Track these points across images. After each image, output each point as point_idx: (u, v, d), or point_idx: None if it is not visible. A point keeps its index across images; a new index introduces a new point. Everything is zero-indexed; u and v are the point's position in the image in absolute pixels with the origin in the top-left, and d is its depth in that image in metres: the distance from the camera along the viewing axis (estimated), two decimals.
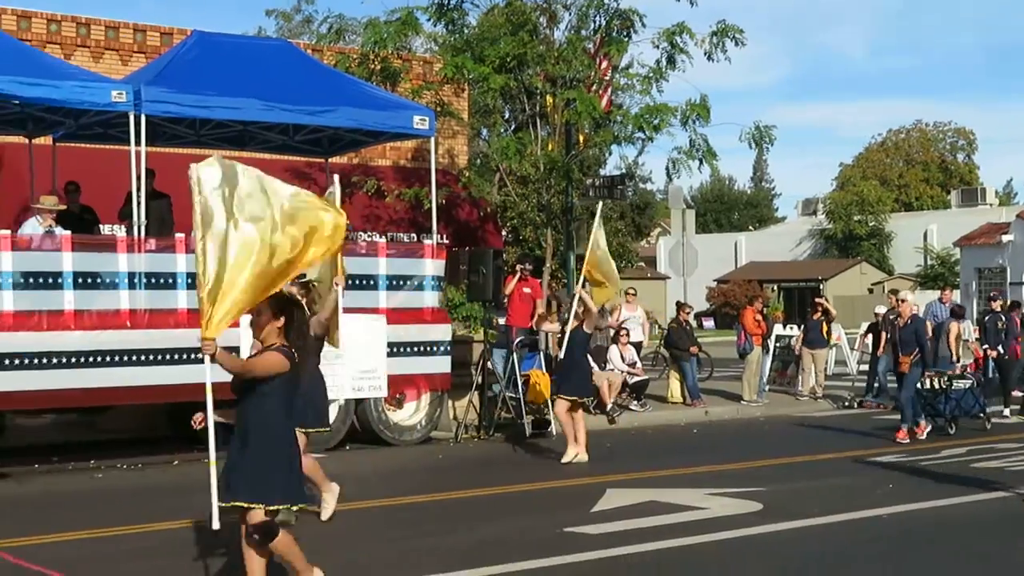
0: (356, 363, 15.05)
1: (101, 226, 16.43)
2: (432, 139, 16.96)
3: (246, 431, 7.27)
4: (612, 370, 19.47)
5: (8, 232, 13.66)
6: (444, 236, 18.14)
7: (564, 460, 14.20)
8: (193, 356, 13.97)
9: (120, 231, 15.30)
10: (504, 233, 25.71)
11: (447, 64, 19.65)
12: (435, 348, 15.93)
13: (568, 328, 14.80)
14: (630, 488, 12.25)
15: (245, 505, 7.24)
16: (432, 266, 15.98)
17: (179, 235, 14.41)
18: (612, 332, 20.53)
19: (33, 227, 14.45)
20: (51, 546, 9.38)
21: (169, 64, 15.28)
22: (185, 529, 10.11)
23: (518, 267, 19.49)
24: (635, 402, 19.84)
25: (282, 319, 7.46)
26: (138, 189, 14.27)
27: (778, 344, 23.60)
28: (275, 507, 7.35)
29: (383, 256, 15.67)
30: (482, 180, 20.78)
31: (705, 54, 20.01)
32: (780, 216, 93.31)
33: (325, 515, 10.46)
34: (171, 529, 10.16)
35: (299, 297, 9.02)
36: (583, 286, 14.97)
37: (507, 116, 30.52)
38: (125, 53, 21.58)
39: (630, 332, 20.64)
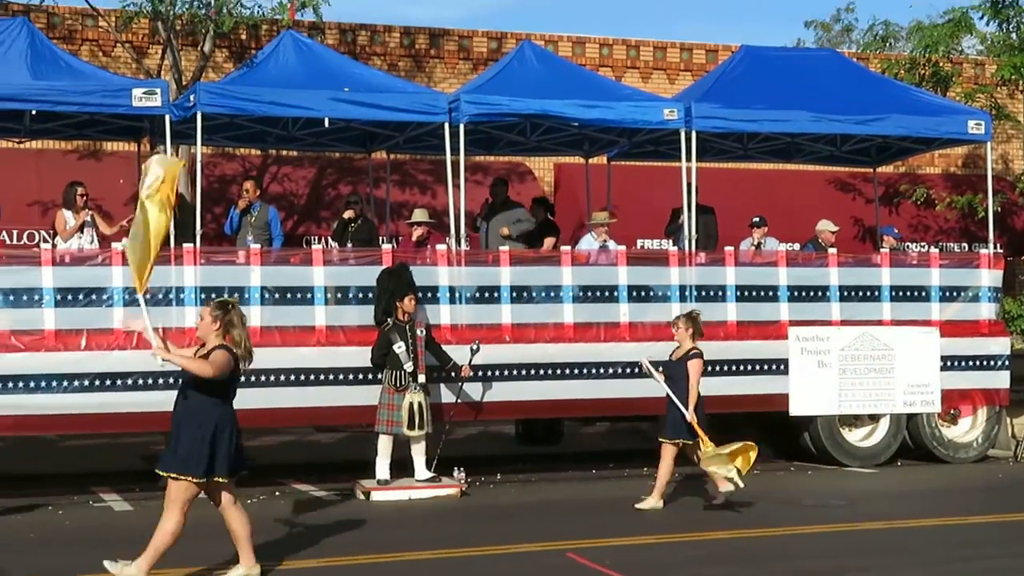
0: (908, 377, 14.68)
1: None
2: (987, 144, 16.20)
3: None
4: None
5: (568, 248, 14.41)
6: (999, 245, 17.26)
7: None
8: (738, 368, 14.23)
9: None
10: None
11: (1003, 65, 18.72)
12: (992, 362, 15.17)
13: None
14: None
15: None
16: (988, 276, 15.26)
17: (728, 248, 14.62)
18: None
19: (589, 243, 15.14)
20: (612, 549, 9.72)
21: (717, 80, 15.57)
22: (746, 540, 10.20)
23: None
24: None
25: (219, 321, 8.25)
26: (688, 205, 14.59)
27: None
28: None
29: (935, 267, 15.14)
30: None
31: None
32: None
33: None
34: (729, 539, 10.26)
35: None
36: None
37: None
38: (672, 72, 22.20)
39: None
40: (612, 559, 9.23)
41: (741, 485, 11.34)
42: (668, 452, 11.84)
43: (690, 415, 11.60)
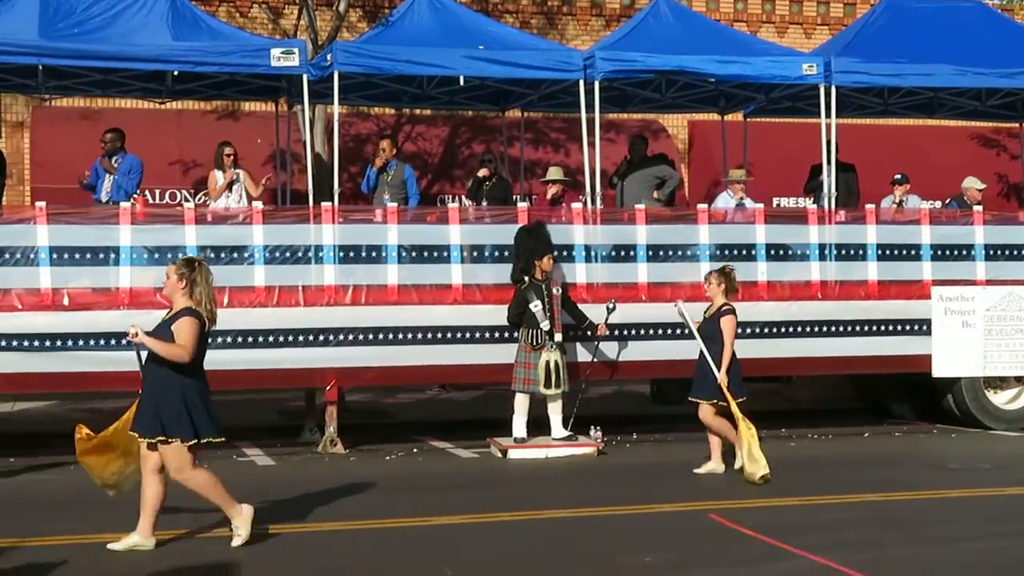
0: None
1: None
2: None
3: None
4: None
5: (705, 206, 14.26)
6: None
7: None
8: (880, 328, 13.96)
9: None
10: None
11: None
12: None
13: None
14: None
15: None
16: None
17: (869, 206, 14.34)
18: None
19: (725, 201, 14.96)
20: (753, 511, 9.62)
21: (858, 34, 15.26)
22: (889, 503, 10.03)
23: None
24: None
25: (185, 279, 8.16)
26: (828, 161, 14.32)
27: None
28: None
29: None
30: None
31: None
32: None
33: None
34: (873, 502, 10.09)
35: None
36: None
37: None
38: (808, 26, 21.81)
39: None
40: (753, 520, 9.12)
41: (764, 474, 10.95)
42: (707, 412, 11.48)
43: (721, 376, 11.25)
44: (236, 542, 8.31)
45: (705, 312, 11.69)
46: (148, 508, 8.30)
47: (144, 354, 8.29)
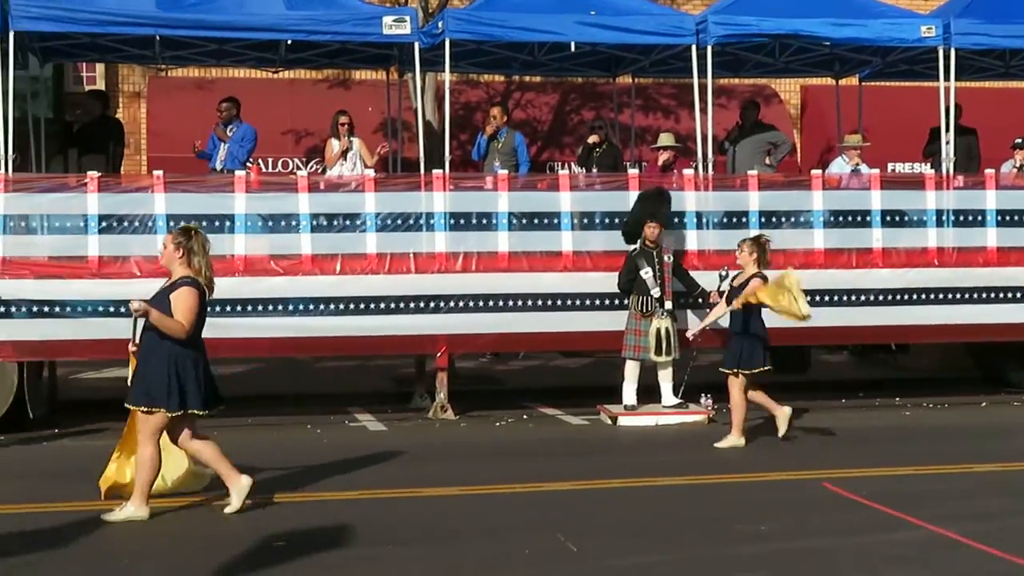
0: None
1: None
2: None
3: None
4: None
5: (819, 172, 14.05)
6: None
7: None
8: (1000, 296, 13.66)
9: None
10: None
11: None
12: None
13: None
14: None
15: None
16: None
17: (988, 171, 14.02)
18: None
19: (840, 166, 14.73)
20: (869, 480, 9.49)
21: None
22: (1013, 473, 9.84)
23: None
24: None
25: (182, 248, 8.10)
26: (947, 126, 14.01)
27: None
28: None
29: None
30: None
31: None
32: None
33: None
34: (996, 472, 9.90)
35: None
36: None
37: None
38: None
39: None
40: (869, 490, 8.99)
41: (806, 311, 10.82)
42: (736, 385, 11.27)
43: (735, 303, 11.10)
44: (229, 509, 8.32)
45: (733, 280, 11.54)
46: (143, 478, 8.22)
47: (140, 325, 8.25)
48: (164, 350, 8.09)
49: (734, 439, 11.19)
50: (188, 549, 7.55)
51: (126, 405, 8.30)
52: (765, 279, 11.20)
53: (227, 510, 8.32)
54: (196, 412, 8.24)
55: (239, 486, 8.36)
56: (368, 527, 8.01)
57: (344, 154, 14.30)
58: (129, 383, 8.30)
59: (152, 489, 8.28)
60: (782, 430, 11.13)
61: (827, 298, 13.31)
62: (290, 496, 8.94)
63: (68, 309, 11.98)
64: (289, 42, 13.67)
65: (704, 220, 13.31)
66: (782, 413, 11.19)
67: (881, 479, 9.59)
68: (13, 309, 11.83)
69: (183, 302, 8.09)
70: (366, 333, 12.58)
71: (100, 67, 19.39)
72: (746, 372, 11.21)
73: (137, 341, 8.28)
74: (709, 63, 13.45)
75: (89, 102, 15.13)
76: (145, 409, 8.10)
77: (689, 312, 12.99)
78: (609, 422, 12.58)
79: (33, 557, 7.31)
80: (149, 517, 8.18)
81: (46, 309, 11.92)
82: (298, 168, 17.54)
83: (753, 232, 13.13)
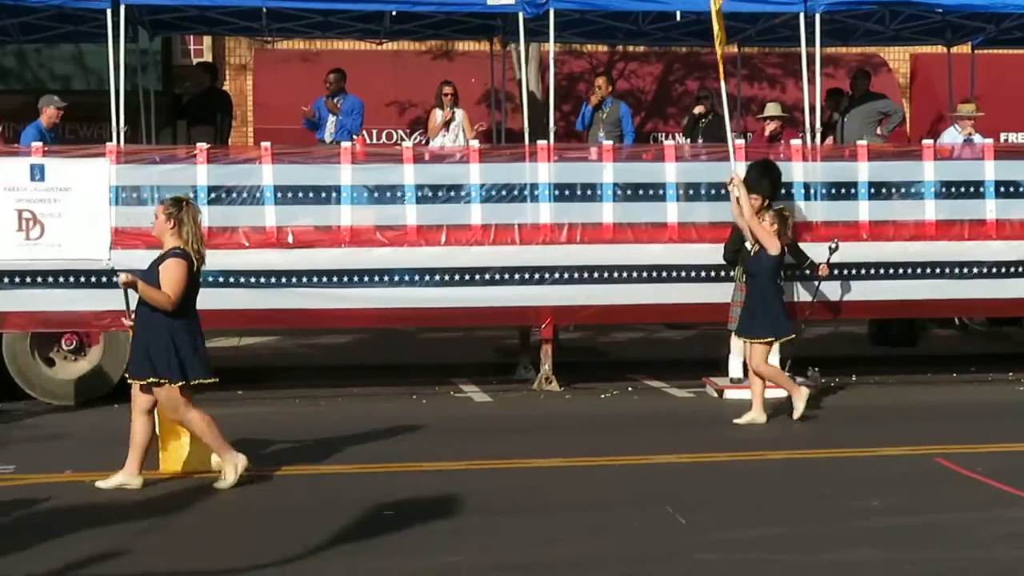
0: None
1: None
2: None
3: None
4: None
5: (930, 142, 13.76)
6: None
7: None
8: None
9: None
10: None
11: None
12: None
13: None
14: None
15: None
16: None
17: None
18: None
19: (952, 136, 14.40)
20: (984, 456, 9.28)
21: None
22: None
23: None
24: None
25: (173, 219, 8.11)
26: None
27: None
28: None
29: None
30: None
31: None
32: None
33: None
34: None
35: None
36: None
37: None
38: None
39: None
40: (985, 466, 8.82)
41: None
42: (758, 353, 11.00)
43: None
44: (220, 484, 8.28)
45: (752, 249, 11.32)
46: (136, 447, 8.31)
47: (133, 297, 8.33)
48: (162, 323, 8.15)
49: (755, 414, 10.93)
50: (303, 515, 7.62)
51: (127, 378, 8.41)
52: (783, 250, 11.14)
53: (218, 484, 8.29)
54: (202, 381, 8.27)
55: (233, 463, 8.31)
56: (475, 497, 8.03)
57: (447, 124, 14.31)
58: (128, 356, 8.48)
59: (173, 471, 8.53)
60: (799, 410, 10.90)
61: (938, 271, 13.04)
62: (397, 466, 9.00)
63: None
64: (394, 13, 13.68)
65: (812, 191, 13.10)
66: (800, 393, 10.99)
67: (997, 455, 9.38)
68: None
69: (170, 273, 8.13)
70: (470, 304, 12.57)
71: (207, 40, 19.60)
72: (760, 340, 10.99)
73: (130, 314, 8.40)
74: (817, 31, 13.20)
75: (199, 74, 15.32)
76: (153, 381, 8.16)
77: (797, 284, 12.81)
78: (715, 395, 12.48)
79: (158, 521, 7.45)
80: (236, 479, 8.24)
81: None
82: (402, 139, 17.59)
83: (863, 204, 12.96)
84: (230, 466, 8.28)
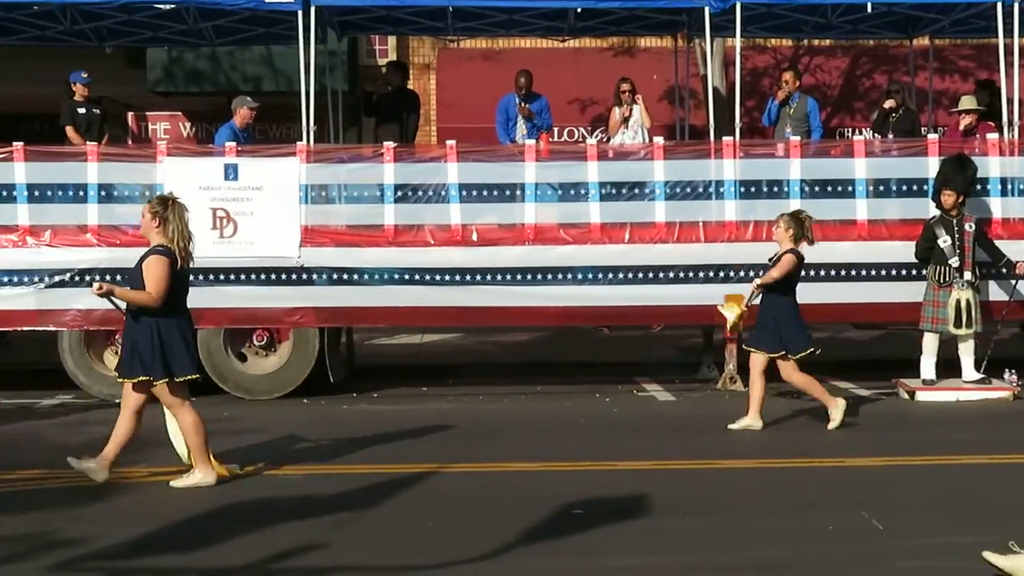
0: None
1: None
2: None
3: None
4: None
5: None
6: None
7: None
8: None
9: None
10: None
11: None
12: None
13: None
14: None
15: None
16: None
17: None
18: None
19: None
20: None
21: None
22: None
23: None
24: None
25: (158, 217, 8.14)
26: None
27: None
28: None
29: None
30: None
31: None
32: None
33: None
34: None
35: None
36: None
37: None
38: None
39: None
40: None
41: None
42: (757, 363, 10.49)
43: (757, 282, 10.51)
44: (175, 483, 8.29)
45: (770, 258, 10.82)
46: (115, 440, 8.37)
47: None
48: (147, 321, 8.22)
49: (749, 420, 10.49)
50: (493, 511, 7.65)
51: (118, 378, 8.49)
52: (800, 257, 10.60)
53: (174, 483, 8.32)
54: (189, 377, 8.34)
55: (204, 473, 8.33)
56: (664, 496, 7.96)
57: (625, 121, 14.24)
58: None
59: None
60: (836, 421, 10.43)
61: None
62: (585, 464, 8.98)
63: (365, 277, 12.28)
64: (579, 10, 13.67)
65: (1010, 187, 12.65)
66: (836, 404, 10.52)
67: None
68: (315, 276, 12.23)
69: (151, 270, 8.17)
70: (655, 303, 12.47)
71: (392, 40, 19.88)
72: (789, 356, 10.53)
73: (124, 313, 8.49)
74: (1016, 21, 12.74)
75: (391, 73, 15.53)
76: (144, 379, 8.21)
77: (993, 283, 12.39)
78: (907, 397, 12.14)
79: (351, 515, 7.57)
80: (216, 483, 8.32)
81: (344, 277, 12.25)
82: (584, 137, 17.57)
83: None
84: (199, 476, 8.34)
